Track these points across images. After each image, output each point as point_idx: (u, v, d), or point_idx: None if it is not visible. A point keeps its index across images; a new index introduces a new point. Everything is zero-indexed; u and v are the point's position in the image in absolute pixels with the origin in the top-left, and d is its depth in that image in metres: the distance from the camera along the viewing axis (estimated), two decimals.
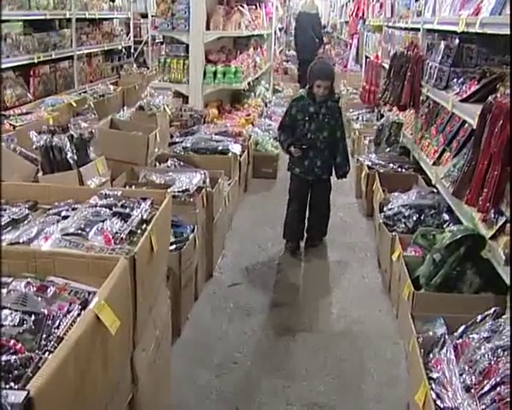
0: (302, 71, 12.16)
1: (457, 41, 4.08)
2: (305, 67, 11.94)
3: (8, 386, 1.30)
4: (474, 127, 3.00)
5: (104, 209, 2.21)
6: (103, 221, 2.10)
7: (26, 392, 1.20)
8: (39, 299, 1.67)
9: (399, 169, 5.10)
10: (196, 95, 6.52)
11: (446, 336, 2.38)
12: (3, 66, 6.02)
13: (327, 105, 4.24)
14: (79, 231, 2.03)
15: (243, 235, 4.70)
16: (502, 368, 2.07)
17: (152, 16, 9.21)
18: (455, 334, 2.44)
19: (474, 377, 2.11)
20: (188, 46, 6.41)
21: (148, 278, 2.08)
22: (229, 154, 4.92)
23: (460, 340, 2.37)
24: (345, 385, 2.86)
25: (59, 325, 1.57)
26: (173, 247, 3.08)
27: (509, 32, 2.72)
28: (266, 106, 8.31)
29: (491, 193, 2.70)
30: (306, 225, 4.52)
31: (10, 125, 4.84)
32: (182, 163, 4.48)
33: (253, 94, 8.35)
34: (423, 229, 3.31)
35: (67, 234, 2.01)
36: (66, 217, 2.20)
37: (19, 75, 6.63)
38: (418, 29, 5.10)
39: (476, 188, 2.83)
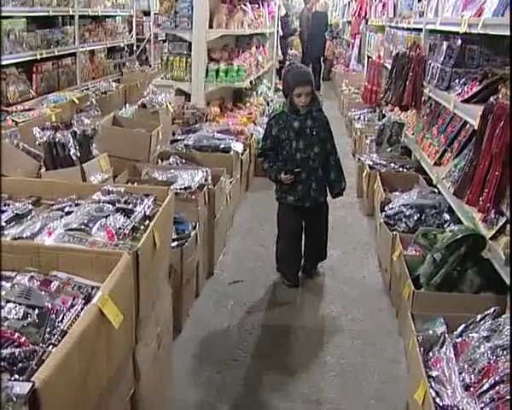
0: (313, 69, 12.33)
1: (460, 42, 4.10)
2: (316, 65, 12.29)
3: (12, 378, 1.31)
4: (476, 128, 3.01)
5: (107, 205, 2.22)
6: (106, 217, 2.11)
7: (31, 384, 1.21)
8: (43, 293, 1.68)
9: (400, 169, 5.11)
10: (199, 93, 6.51)
11: (446, 335, 2.39)
12: (6, 62, 6.04)
13: (312, 116, 3.65)
14: (83, 227, 2.04)
15: (244, 233, 4.71)
16: (501, 367, 2.09)
17: (155, 14, 9.22)
18: (454, 333, 2.45)
19: (473, 375, 2.13)
20: (190, 44, 6.40)
21: (151, 273, 2.09)
22: (231, 152, 4.93)
23: (460, 339, 2.39)
24: (345, 383, 2.88)
25: (62, 318, 1.59)
26: (175, 244, 3.09)
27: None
28: (268, 105, 8.32)
29: (491, 193, 2.72)
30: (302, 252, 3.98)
31: (13, 121, 4.84)
32: (184, 161, 4.48)
33: (254, 93, 8.36)
34: (424, 228, 3.31)
35: (71, 229, 2.03)
36: (69, 212, 2.21)
37: (22, 72, 6.65)
38: (420, 29, 5.11)
39: (477, 188, 2.85)
